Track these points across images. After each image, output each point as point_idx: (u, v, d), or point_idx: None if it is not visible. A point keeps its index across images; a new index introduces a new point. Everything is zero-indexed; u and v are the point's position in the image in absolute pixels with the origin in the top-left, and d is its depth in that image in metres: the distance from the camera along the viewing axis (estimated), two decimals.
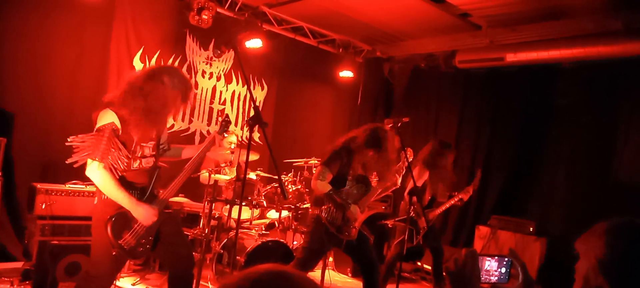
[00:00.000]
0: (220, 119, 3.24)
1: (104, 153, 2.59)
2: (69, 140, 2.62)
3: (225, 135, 3.28)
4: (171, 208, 3.09)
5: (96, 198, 2.79)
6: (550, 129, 6.19)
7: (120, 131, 2.67)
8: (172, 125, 5.78)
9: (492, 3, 5.14)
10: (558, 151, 6.07)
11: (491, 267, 1.77)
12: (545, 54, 5.74)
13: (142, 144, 2.80)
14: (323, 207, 3.74)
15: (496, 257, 1.79)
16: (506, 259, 1.77)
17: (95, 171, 2.61)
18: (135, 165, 2.79)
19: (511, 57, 5.98)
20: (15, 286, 4.01)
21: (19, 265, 4.26)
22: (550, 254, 5.62)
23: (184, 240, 3.14)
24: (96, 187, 2.72)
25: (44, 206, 3.94)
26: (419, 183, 4.90)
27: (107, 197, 2.70)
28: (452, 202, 5.05)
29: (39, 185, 4.03)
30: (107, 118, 2.65)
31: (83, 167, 2.64)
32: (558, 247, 5.54)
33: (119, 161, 2.66)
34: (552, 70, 6.10)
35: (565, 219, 5.76)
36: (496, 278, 1.80)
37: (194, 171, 3.09)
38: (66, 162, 2.62)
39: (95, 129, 2.66)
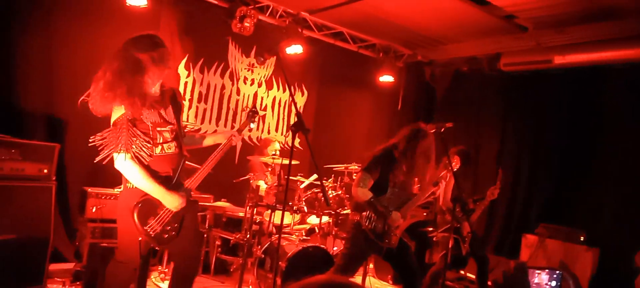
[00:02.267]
0: (246, 110, 3.26)
1: (127, 143, 2.64)
2: (90, 140, 2.69)
3: (252, 125, 3.28)
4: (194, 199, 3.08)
5: (122, 186, 2.84)
6: (600, 134, 5.93)
7: (134, 121, 2.71)
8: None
9: (540, 4, 4.98)
10: (609, 157, 5.80)
11: (541, 280, 1.67)
12: (595, 55, 5.52)
13: (159, 129, 2.82)
14: (363, 214, 3.68)
15: (547, 270, 1.69)
16: (557, 272, 1.68)
17: (123, 163, 2.66)
18: (157, 150, 2.80)
19: (559, 60, 5.78)
20: (66, 286, 4.17)
21: (70, 266, 4.43)
22: (602, 265, 5.37)
23: (197, 239, 3.15)
24: (122, 176, 2.77)
25: (94, 209, 4.09)
26: (449, 192, 4.82)
27: (132, 186, 2.74)
28: (485, 205, 4.93)
29: (89, 189, 4.18)
30: (119, 110, 2.70)
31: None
32: (611, 257, 5.29)
33: (143, 148, 2.70)
34: (602, 73, 5.85)
35: (618, 229, 5.49)
36: None
37: (217, 161, 3.08)
38: (94, 161, 2.69)
39: (111, 124, 2.71)
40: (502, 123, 6.92)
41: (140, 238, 2.74)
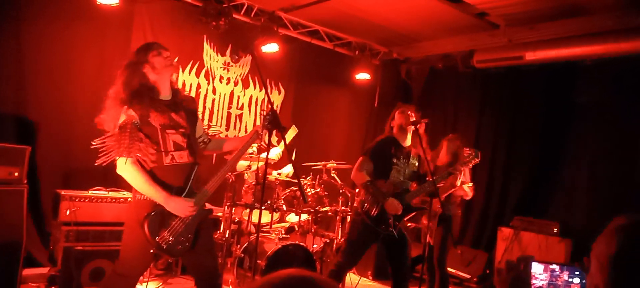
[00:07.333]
0: (262, 112, 3.11)
1: (130, 148, 2.56)
2: (93, 142, 2.61)
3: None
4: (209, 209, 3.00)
5: (130, 198, 2.77)
6: (573, 128, 6.07)
7: (141, 124, 2.64)
8: None
9: (510, 2, 5.08)
10: (581, 150, 5.95)
11: (536, 271, 1.69)
12: (565, 51, 5.66)
13: (168, 132, 2.72)
14: (362, 199, 3.74)
15: (545, 264, 1.70)
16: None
17: (125, 168, 2.58)
18: (168, 160, 2.70)
19: (531, 56, 5.91)
20: None
21: (44, 270, 4.34)
22: (575, 256, 5.51)
23: (213, 252, 3.02)
24: (131, 186, 2.69)
25: (68, 212, 4.01)
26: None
27: (142, 198, 2.67)
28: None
29: (63, 192, 4.10)
30: (125, 114, 2.63)
31: (105, 172, 2.66)
32: (583, 248, 5.42)
33: (147, 153, 2.62)
34: (573, 68, 6.00)
35: (590, 219, 5.64)
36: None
37: (235, 166, 3.02)
38: (95, 163, 2.60)
39: (117, 127, 2.62)
40: (478, 119, 7.03)
41: (152, 251, 2.67)
